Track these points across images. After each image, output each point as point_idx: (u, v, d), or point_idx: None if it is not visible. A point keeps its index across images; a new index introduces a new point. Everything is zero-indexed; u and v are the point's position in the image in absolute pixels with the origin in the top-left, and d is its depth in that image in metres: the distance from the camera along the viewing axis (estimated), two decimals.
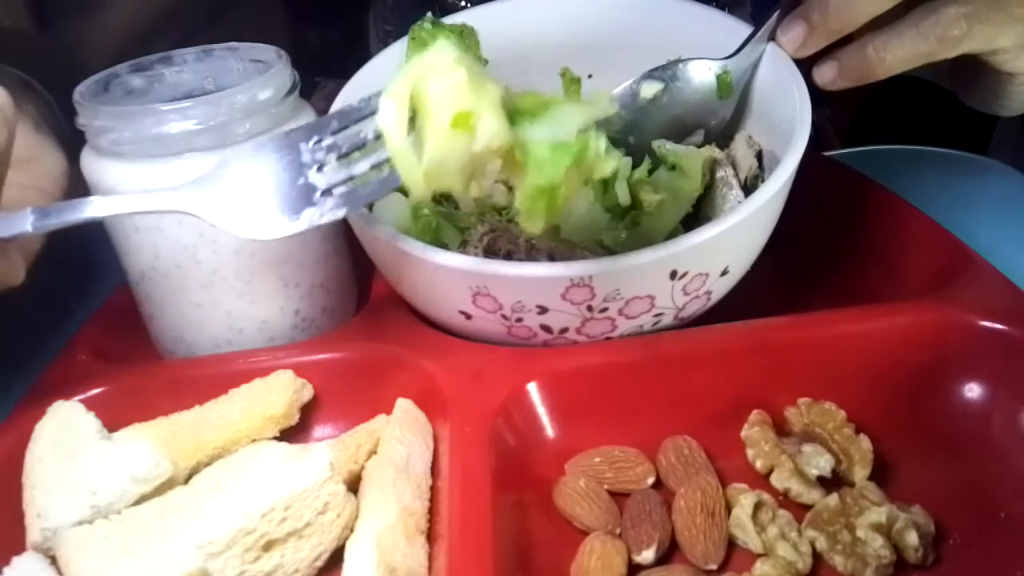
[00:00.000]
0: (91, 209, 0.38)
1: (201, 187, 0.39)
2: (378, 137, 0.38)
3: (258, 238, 0.39)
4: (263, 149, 0.39)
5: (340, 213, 0.39)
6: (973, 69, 0.46)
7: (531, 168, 0.34)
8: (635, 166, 0.49)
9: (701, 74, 0.50)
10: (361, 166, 0.38)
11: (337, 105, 0.50)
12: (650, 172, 0.49)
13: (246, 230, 0.39)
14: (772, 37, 0.48)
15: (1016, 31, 0.42)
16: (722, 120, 0.51)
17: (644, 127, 0.51)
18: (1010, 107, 0.48)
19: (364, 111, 0.38)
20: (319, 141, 0.39)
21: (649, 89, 0.51)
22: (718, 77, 0.50)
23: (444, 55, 0.34)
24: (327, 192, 0.38)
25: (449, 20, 0.55)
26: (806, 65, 0.46)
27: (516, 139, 0.34)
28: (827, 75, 0.45)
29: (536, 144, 0.34)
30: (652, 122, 0.51)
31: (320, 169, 0.39)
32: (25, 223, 0.37)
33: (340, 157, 0.39)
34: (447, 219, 0.50)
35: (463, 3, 0.65)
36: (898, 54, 0.43)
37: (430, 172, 0.34)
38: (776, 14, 0.47)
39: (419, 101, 0.34)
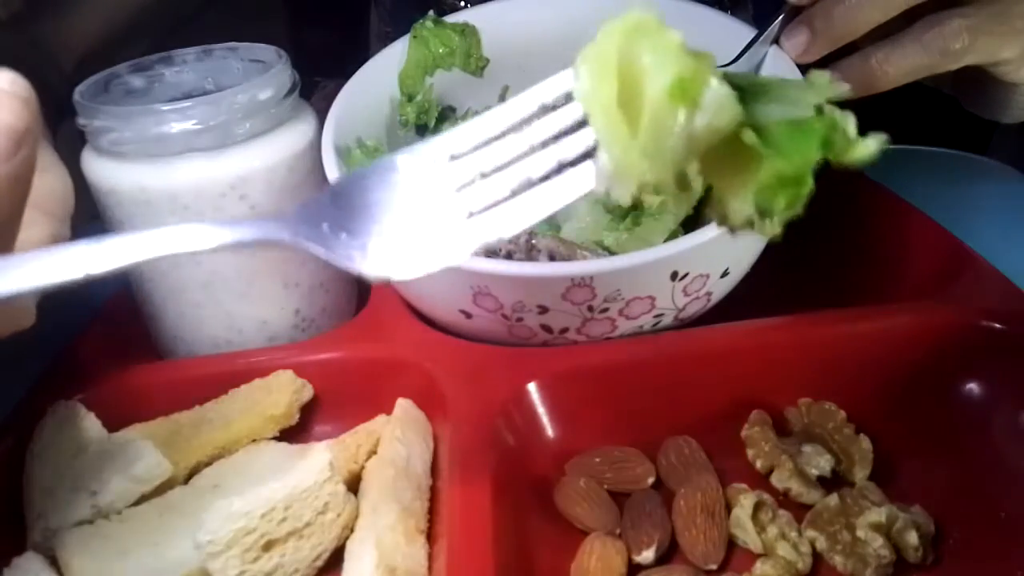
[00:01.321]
0: (171, 243, 0.28)
1: (313, 215, 0.30)
2: (542, 144, 0.30)
3: (393, 278, 0.30)
4: (383, 170, 0.30)
5: (497, 235, 0.29)
6: (975, 78, 0.46)
7: (770, 152, 0.27)
8: None
9: None
10: (519, 176, 0.29)
11: (340, 107, 0.50)
12: None
13: (376, 268, 0.29)
14: (775, 42, 0.48)
15: (1019, 43, 0.42)
16: None
17: None
18: (1012, 115, 0.48)
19: (520, 112, 0.30)
20: (457, 156, 0.30)
21: None
22: None
23: (648, 15, 0.27)
24: (474, 216, 0.30)
25: (450, 19, 0.55)
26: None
27: (748, 116, 0.27)
28: None
29: (774, 123, 0.28)
30: None
31: (463, 190, 0.30)
32: (82, 266, 0.27)
33: (486, 175, 0.30)
34: None
35: (462, 3, 0.65)
36: (901, 66, 0.43)
37: (647, 150, 0.27)
38: (778, 20, 0.47)
39: (622, 69, 0.27)
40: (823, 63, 0.46)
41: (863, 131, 0.28)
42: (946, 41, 0.42)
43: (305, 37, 0.81)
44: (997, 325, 0.43)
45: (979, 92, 0.48)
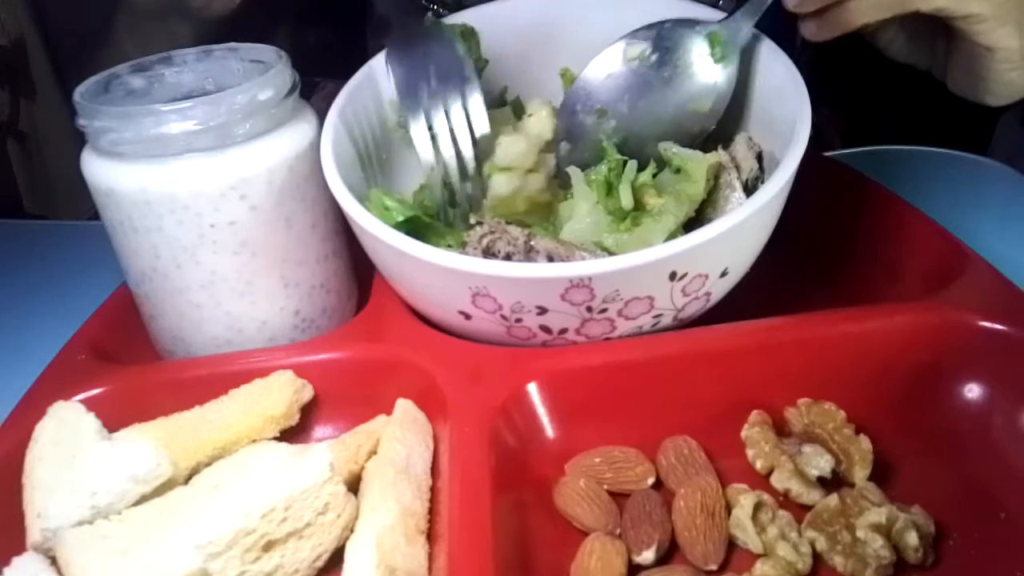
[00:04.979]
0: None
1: None
2: None
3: None
4: None
5: None
6: (957, 50, 0.47)
7: None
8: (640, 169, 0.49)
9: (689, 35, 0.50)
10: None
11: (340, 107, 0.50)
12: (654, 175, 0.49)
13: None
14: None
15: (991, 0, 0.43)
16: (715, 115, 0.51)
17: (638, 116, 0.51)
18: (993, 91, 0.49)
19: None
20: None
21: (634, 49, 0.51)
22: (708, 35, 0.49)
23: None
24: None
25: (450, 20, 0.55)
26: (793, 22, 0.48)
27: None
28: (811, 27, 0.48)
29: None
30: (645, 115, 0.51)
31: None
32: None
33: None
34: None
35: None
36: (870, 1, 0.45)
37: None
38: None
39: None
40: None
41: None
42: None
43: (305, 37, 0.81)
44: (997, 325, 0.43)
45: (961, 68, 0.49)
